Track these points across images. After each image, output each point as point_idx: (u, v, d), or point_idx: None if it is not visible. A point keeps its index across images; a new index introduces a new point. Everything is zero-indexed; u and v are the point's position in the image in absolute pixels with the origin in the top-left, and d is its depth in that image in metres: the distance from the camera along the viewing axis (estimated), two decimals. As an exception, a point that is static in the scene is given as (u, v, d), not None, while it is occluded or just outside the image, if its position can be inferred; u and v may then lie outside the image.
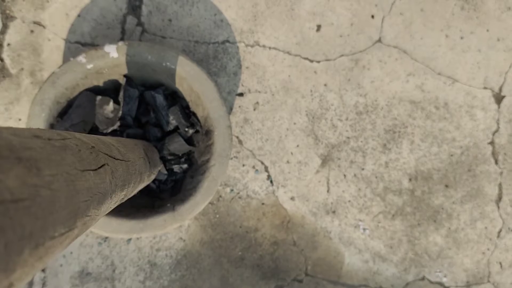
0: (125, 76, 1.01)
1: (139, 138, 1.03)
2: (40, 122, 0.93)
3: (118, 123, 1.01)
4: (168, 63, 0.98)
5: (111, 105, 0.97)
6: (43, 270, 1.09)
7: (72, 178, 0.36)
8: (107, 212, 0.51)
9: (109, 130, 1.01)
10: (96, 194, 0.43)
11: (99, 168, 0.45)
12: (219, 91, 0.99)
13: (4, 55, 1.07)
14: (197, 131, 1.05)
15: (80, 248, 1.11)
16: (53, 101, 0.95)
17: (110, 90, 1.03)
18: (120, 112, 1.00)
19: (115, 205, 0.57)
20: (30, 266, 0.29)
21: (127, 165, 0.60)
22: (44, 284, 1.09)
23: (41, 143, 0.34)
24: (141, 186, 0.77)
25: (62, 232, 0.34)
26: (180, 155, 1.04)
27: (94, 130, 1.01)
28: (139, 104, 1.02)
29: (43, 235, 0.30)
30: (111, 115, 0.99)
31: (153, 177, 0.91)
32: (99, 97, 0.98)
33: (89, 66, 0.96)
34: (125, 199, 0.64)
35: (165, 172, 1.04)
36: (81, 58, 0.95)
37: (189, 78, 0.99)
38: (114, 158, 0.54)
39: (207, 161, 1.01)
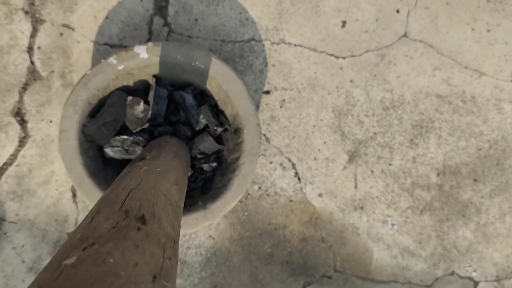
0: (154, 76, 1.02)
1: (169, 135, 1.04)
2: (73, 123, 0.95)
3: (147, 124, 1.02)
4: (197, 63, 0.98)
5: (141, 105, 0.98)
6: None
7: None
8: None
9: (138, 129, 1.02)
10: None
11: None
12: (247, 89, 0.99)
13: (35, 58, 1.08)
14: (225, 130, 1.06)
15: (112, 247, 1.12)
16: (85, 103, 0.96)
17: (140, 90, 1.04)
18: (150, 112, 1.01)
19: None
20: None
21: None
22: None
23: None
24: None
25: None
26: (210, 153, 1.05)
27: (123, 129, 1.03)
28: (169, 104, 1.03)
29: None
30: (141, 115, 1.00)
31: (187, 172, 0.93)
32: (130, 98, 0.99)
33: (120, 67, 0.97)
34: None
35: (191, 170, 1.05)
36: (112, 60, 0.96)
37: (218, 77, 0.99)
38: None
39: (237, 159, 1.01)
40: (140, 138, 1.00)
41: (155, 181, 0.61)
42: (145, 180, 0.60)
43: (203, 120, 1.03)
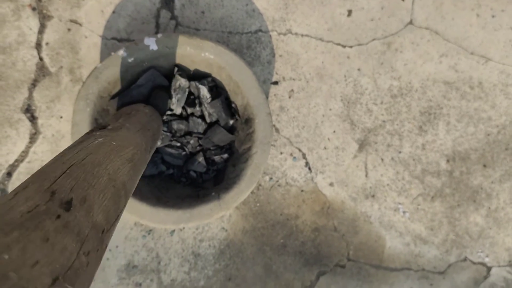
0: (176, 65, 1.02)
1: (184, 134, 1.05)
2: (85, 117, 0.95)
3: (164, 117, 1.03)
4: (207, 53, 0.98)
5: (163, 96, 0.99)
6: (90, 265, 1.11)
7: None
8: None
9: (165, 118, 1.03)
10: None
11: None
12: (257, 79, 0.99)
13: (43, 54, 1.08)
14: (236, 120, 1.06)
15: (126, 241, 1.12)
16: (97, 96, 0.96)
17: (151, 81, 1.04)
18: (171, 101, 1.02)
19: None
20: None
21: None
22: (92, 278, 1.11)
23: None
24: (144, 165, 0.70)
25: None
26: (223, 145, 1.05)
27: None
28: (188, 95, 1.03)
29: None
30: (163, 103, 1.01)
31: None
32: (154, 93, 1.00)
33: (130, 60, 0.97)
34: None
35: (205, 164, 1.06)
36: (122, 52, 0.96)
37: (228, 68, 0.99)
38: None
39: (249, 149, 1.01)
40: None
41: (104, 158, 0.55)
42: (92, 154, 0.53)
43: (214, 114, 1.03)
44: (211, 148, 1.04)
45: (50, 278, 0.33)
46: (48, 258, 0.34)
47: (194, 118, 1.03)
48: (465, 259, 1.23)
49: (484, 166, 1.23)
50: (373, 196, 1.20)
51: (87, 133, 0.64)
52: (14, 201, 0.38)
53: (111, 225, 0.48)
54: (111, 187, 0.51)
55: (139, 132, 0.74)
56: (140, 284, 1.12)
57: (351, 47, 1.19)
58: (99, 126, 0.70)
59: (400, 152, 1.20)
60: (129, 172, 0.60)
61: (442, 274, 1.22)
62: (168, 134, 1.04)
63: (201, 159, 1.06)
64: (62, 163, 0.48)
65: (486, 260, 1.24)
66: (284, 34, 1.17)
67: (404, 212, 1.21)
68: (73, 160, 0.49)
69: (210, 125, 1.06)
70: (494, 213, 1.24)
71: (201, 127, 1.05)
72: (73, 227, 0.39)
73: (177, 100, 1.01)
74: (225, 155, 1.06)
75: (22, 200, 0.38)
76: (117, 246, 1.12)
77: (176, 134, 1.04)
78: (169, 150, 1.05)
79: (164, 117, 1.01)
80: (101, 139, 0.60)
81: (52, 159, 0.49)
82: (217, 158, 1.07)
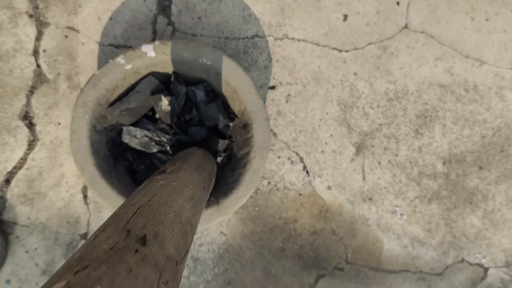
0: (174, 72, 1.03)
1: (197, 146, 1.05)
2: (84, 124, 0.95)
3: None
4: (204, 60, 0.99)
5: (164, 100, 0.99)
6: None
7: None
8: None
9: (175, 121, 1.03)
10: None
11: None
12: (254, 85, 1.00)
13: (41, 61, 1.09)
14: (235, 123, 1.07)
15: (125, 247, 1.12)
16: (95, 103, 0.96)
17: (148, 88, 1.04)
18: (175, 103, 1.02)
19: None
20: None
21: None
22: None
23: None
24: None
25: None
26: (221, 150, 1.06)
27: (149, 117, 1.04)
28: (185, 102, 1.04)
29: None
30: (169, 108, 1.01)
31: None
32: (151, 97, 1.00)
33: (128, 67, 0.97)
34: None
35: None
36: (120, 59, 0.96)
37: (225, 73, 1.00)
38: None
39: (247, 154, 1.02)
40: (157, 138, 1.01)
41: (168, 197, 0.60)
42: (157, 195, 0.59)
43: (212, 117, 1.04)
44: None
45: None
46: (134, 287, 0.38)
47: (192, 128, 1.04)
48: (462, 261, 1.24)
49: (480, 168, 1.24)
50: (370, 199, 1.21)
51: (149, 179, 0.71)
52: (97, 241, 0.43)
53: (182, 257, 0.52)
54: (178, 222, 0.56)
55: (196, 172, 0.80)
56: (140, 290, 1.13)
57: (347, 51, 1.19)
58: (159, 171, 0.77)
59: (396, 155, 1.21)
60: (192, 208, 0.65)
61: (440, 275, 1.23)
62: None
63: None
64: (132, 205, 0.54)
65: (483, 261, 1.25)
66: (281, 39, 1.17)
67: (401, 214, 1.22)
68: (141, 202, 0.55)
69: (210, 129, 1.07)
70: (490, 214, 1.25)
71: (203, 133, 1.06)
72: (151, 259, 0.44)
73: (175, 106, 1.01)
74: (223, 159, 1.07)
75: (103, 240, 0.43)
76: (116, 252, 1.12)
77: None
78: (162, 156, 1.06)
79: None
80: (162, 182, 0.66)
81: (122, 204, 0.56)
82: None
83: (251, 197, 1.17)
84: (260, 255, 1.17)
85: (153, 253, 0.45)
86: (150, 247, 0.45)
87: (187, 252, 0.55)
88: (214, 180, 0.95)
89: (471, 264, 1.24)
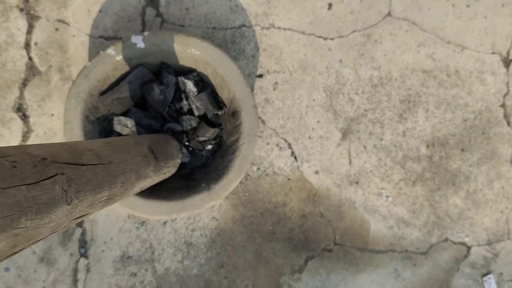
0: (163, 63, 1.05)
1: (177, 133, 1.08)
2: (76, 115, 0.98)
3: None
4: (192, 49, 1.02)
5: (156, 89, 1.02)
6: (86, 257, 1.14)
7: None
8: (75, 217, 0.53)
9: (166, 110, 1.06)
10: (31, 206, 0.44)
11: (43, 180, 0.47)
12: (242, 73, 1.03)
13: (32, 54, 1.11)
14: (224, 111, 1.10)
15: (120, 233, 1.16)
16: (87, 94, 0.99)
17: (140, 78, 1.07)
18: (167, 92, 1.05)
19: (105, 205, 0.60)
20: None
21: (107, 168, 0.62)
22: (88, 270, 1.14)
23: None
24: (145, 181, 0.79)
25: None
26: (211, 138, 1.09)
27: (139, 106, 1.07)
28: (175, 91, 1.07)
29: None
30: (161, 98, 1.04)
31: (171, 169, 0.95)
32: (143, 87, 1.03)
33: (118, 58, 1.00)
34: (121, 197, 0.66)
35: (188, 155, 1.09)
36: (110, 51, 0.99)
37: (214, 63, 1.03)
38: (81, 165, 0.56)
39: (236, 140, 1.06)
40: (143, 130, 1.04)
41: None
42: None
43: (201, 107, 1.07)
44: (199, 141, 1.08)
45: None
46: None
47: (182, 116, 1.07)
48: (446, 240, 1.29)
49: (462, 150, 1.29)
50: (357, 182, 1.25)
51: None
52: None
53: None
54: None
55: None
56: (135, 274, 1.17)
57: (332, 39, 1.23)
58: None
59: (381, 139, 1.25)
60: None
61: (425, 254, 1.28)
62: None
63: (181, 155, 1.10)
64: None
65: (466, 240, 1.30)
66: (267, 28, 1.20)
67: (387, 196, 1.26)
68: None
69: (201, 118, 1.10)
70: (472, 195, 1.29)
71: (193, 122, 1.09)
72: None
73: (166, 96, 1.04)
74: (211, 147, 1.11)
75: None
76: (111, 238, 1.16)
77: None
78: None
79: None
80: None
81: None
82: (204, 151, 1.11)
83: (241, 183, 1.21)
84: (251, 239, 1.21)
85: None
86: None
87: None
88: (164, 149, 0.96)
89: (454, 243, 1.29)
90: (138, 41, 1.00)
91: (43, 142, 1.13)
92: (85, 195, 0.53)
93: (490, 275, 1.30)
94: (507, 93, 1.29)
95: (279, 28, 1.21)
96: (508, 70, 1.29)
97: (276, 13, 1.20)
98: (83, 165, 0.56)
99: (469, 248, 1.30)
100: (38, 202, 0.45)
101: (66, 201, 0.50)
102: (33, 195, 0.44)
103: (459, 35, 1.27)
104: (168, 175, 0.97)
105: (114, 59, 1.00)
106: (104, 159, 0.61)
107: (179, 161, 1.03)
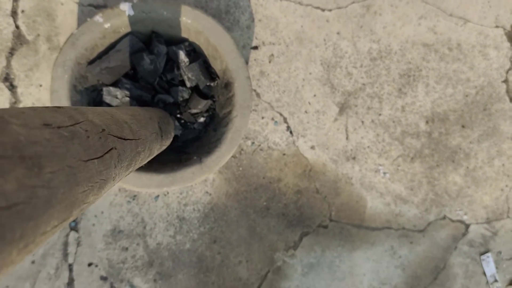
0: (153, 32, 1.02)
1: (169, 105, 1.05)
2: (63, 84, 0.95)
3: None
4: (184, 18, 0.98)
5: (146, 59, 0.99)
6: (76, 231, 1.12)
7: (74, 171, 0.35)
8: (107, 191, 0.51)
9: (157, 80, 1.03)
10: (98, 181, 0.42)
11: (105, 153, 0.44)
12: (235, 43, 1.00)
13: (20, 22, 1.07)
14: (216, 83, 1.07)
15: (111, 207, 1.14)
16: (75, 63, 0.96)
17: (129, 47, 1.04)
18: (158, 62, 1.02)
19: (118, 181, 0.58)
20: (17, 261, 0.28)
21: (137, 144, 0.59)
22: (78, 244, 1.13)
23: (49, 134, 0.33)
24: (149, 158, 0.76)
25: (55, 224, 0.33)
26: (203, 110, 1.06)
27: (130, 76, 1.04)
28: (166, 61, 1.04)
29: (34, 233, 0.29)
30: (151, 68, 1.01)
31: (164, 147, 0.93)
32: (132, 56, 0.99)
33: (107, 26, 0.96)
34: (129, 173, 0.64)
35: (180, 128, 1.07)
36: (98, 18, 0.95)
37: (206, 32, 0.99)
38: (124, 139, 0.53)
39: (229, 113, 1.02)
40: (133, 100, 1.01)
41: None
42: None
43: (192, 78, 1.04)
44: (191, 113, 1.05)
45: None
46: None
47: (174, 88, 1.04)
48: (444, 218, 1.27)
49: (463, 126, 1.25)
50: (354, 158, 1.22)
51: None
52: None
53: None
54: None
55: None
56: (127, 249, 1.15)
57: (330, 10, 1.19)
58: None
59: (380, 114, 1.22)
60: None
61: (422, 232, 1.26)
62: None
63: (174, 126, 1.07)
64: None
65: (465, 218, 1.27)
66: (263, -2, 1.16)
67: (384, 173, 1.23)
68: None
69: (193, 89, 1.06)
70: (472, 172, 1.27)
71: (185, 93, 1.06)
72: None
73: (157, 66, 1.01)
74: (203, 119, 1.08)
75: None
76: (102, 212, 1.14)
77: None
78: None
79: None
80: None
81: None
82: (197, 124, 1.08)
83: (235, 157, 1.18)
84: (245, 214, 1.19)
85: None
86: None
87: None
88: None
89: (452, 220, 1.27)
90: (127, 8, 0.96)
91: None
92: (120, 172, 0.51)
93: (489, 254, 1.28)
94: (510, 68, 1.25)
95: (275, -2, 1.17)
96: (511, 45, 1.25)
97: (272, -18, 1.16)
98: (125, 139, 0.54)
99: (467, 226, 1.28)
100: (102, 177, 0.43)
101: (113, 177, 0.48)
102: (100, 170, 0.43)
103: (462, 7, 1.23)
104: (162, 149, 0.94)
105: (102, 27, 0.96)
106: (135, 134, 0.59)
107: (171, 138, 1.00)
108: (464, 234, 1.28)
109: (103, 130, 0.46)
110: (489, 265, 1.28)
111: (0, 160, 0.25)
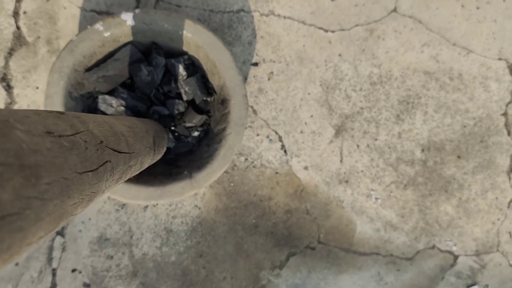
0: (153, 43, 1.02)
1: (164, 117, 1.04)
2: (59, 90, 0.94)
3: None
4: (184, 32, 0.98)
5: (144, 70, 0.99)
6: (62, 235, 1.12)
7: (68, 183, 0.35)
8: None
9: (153, 92, 1.02)
10: (89, 194, 0.41)
11: (100, 166, 0.44)
12: (234, 60, 0.99)
13: (21, 23, 1.07)
14: (213, 98, 1.06)
15: (98, 214, 1.13)
16: (71, 69, 0.95)
17: (128, 57, 1.03)
18: (155, 74, 1.01)
19: (107, 193, 0.57)
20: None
21: (130, 157, 0.58)
22: (64, 249, 1.12)
23: (50, 143, 0.33)
24: (139, 171, 0.75)
25: (41, 236, 0.33)
26: (197, 125, 1.06)
27: (126, 85, 1.03)
28: (164, 73, 1.03)
29: (21, 244, 0.29)
30: (148, 79, 1.00)
31: (155, 160, 0.92)
32: (130, 66, 0.99)
33: (106, 34, 0.96)
34: (117, 185, 0.63)
35: (174, 140, 1.06)
36: (98, 26, 0.95)
37: (206, 47, 0.99)
38: (119, 152, 0.52)
39: (223, 129, 1.02)
40: (129, 112, 1.01)
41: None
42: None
43: (189, 92, 1.03)
44: (186, 127, 1.04)
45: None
46: None
47: (170, 100, 1.03)
48: (433, 247, 1.26)
49: (458, 157, 1.25)
50: (346, 181, 1.21)
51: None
52: None
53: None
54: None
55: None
56: (112, 257, 1.14)
57: (333, 32, 1.18)
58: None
59: (376, 139, 1.21)
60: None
61: (410, 260, 1.25)
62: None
63: (167, 141, 1.06)
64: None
65: (454, 248, 1.27)
66: (267, 15, 1.16)
67: (376, 198, 1.22)
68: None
69: (189, 103, 1.06)
70: (465, 203, 1.26)
71: (181, 106, 1.05)
72: None
73: (155, 77, 1.00)
74: (197, 134, 1.07)
75: None
76: (90, 219, 1.13)
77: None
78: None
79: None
80: None
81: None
82: (190, 138, 1.07)
83: (227, 172, 1.17)
84: (233, 230, 1.18)
85: None
86: None
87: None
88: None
89: (441, 251, 1.26)
90: (128, 18, 0.96)
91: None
92: (110, 184, 0.51)
93: (476, 286, 1.27)
94: (510, 102, 1.25)
95: (279, 15, 1.16)
96: (513, 78, 1.24)
97: (277, 0, 1.16)
98: (120, 152, 0.53)
99: (456, 257, 1.27)
100: (93, 190, 0.43)
101: (103, 190, 0.47)
102: (93, 183, 0.42)
103: (466, 37, 1.22)
104: (152, 163, 0.93)
105: (102, 35, 0.96)
106: (130, 148, 0.58)
107: (162, 153, 1.00)
108: (452, 265, 1.27)
109: (101, 142, 0.46)
110: (475, 298, 1.27)
111: (0, 167, 0.25)
